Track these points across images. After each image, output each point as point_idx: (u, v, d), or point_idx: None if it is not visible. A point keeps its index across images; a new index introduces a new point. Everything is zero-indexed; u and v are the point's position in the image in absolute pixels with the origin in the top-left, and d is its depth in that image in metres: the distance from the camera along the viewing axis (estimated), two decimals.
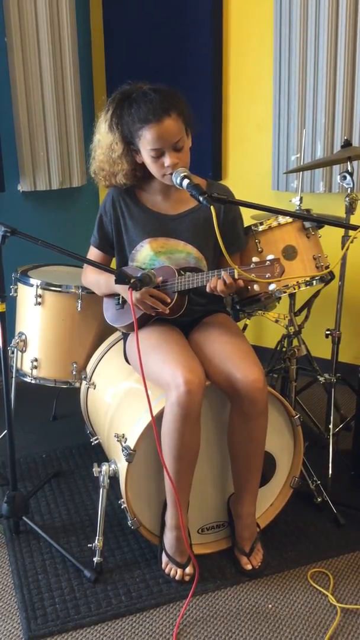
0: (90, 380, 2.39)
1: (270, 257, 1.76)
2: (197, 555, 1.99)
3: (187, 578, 1.94)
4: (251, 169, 3.44)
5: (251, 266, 1.77)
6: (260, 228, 2.17)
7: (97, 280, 2.14)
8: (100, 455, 2.54)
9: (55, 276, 2.58)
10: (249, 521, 2.00)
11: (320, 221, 2.07)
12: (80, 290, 2.41)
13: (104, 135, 1.98)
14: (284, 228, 2.19)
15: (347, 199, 2.30)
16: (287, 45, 3.08)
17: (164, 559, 1.97)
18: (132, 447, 1.88)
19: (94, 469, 2.04)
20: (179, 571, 1.94)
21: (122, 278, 1.80)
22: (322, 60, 2.98)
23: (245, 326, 2.99)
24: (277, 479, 2.14)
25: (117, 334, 2.39)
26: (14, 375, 2.55)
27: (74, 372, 2.47)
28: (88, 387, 2.40)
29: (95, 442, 2.35)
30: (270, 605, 1.87)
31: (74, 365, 2.47)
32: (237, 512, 2.01)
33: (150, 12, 3.45)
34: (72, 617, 1.82)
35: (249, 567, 1.98)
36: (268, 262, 1.75)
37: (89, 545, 2.04)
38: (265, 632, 1.77)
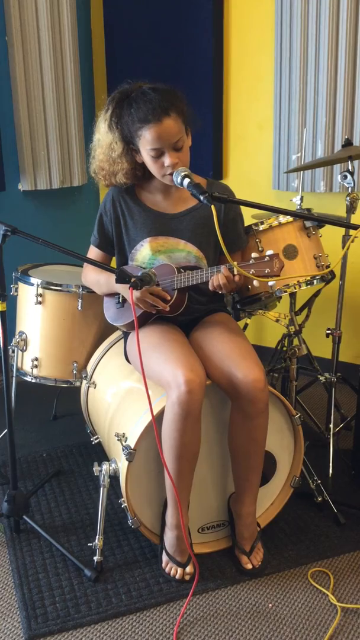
0: (90, 380, 2.39)
1: (269, 252, 1.76)
2: (198, 555, 1.99)
3: (187, 577, 1.94)
4: (252, 168, 3.44)
5: (250, 262, 1.77)
6: (261, 227, 2.17)
7: (97, 279, 2.14)
8: (100, 454, 2.54)
9: (55, 275, 2.58)
10: (249, 520, 2.00)
11: (321, 220, 2.07)
12: (80, 290, 2.41)
13: (103, 135, 1.98)
14: (284, 227, 2.18)
15: (347, 198, 2.30)
16: (288, 44, 3.08)
17: (164, 558, 1.98)
18: (132, 447, 1.88)
19: (94, 468, 2.04)
20: (180, 570, 1.94)
21: (122, 277, 1.80)
22: (323, 59, 2.98)
23: (246, 325, 2.99)
24: (278, 478, 2.14)
25: (117, 333, 2.39)
26: (14, 375, 2.55)
27: (75, 372, 2.47)
28: (88, 387, 2.40)
29: (96, 441, 2.35)
30: (270, 605, 1.87)
31: (75, 365, 2.47)
32: (238, 512, 2.01)
33: (151, 11, 3.45)
34: (73, 616, 1.82)
35: (249, 566, 1.98)
36: (267, 257, 1.75)
37: (89, 544, 2.04)
38: (266, 631, 1.77)
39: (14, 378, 2.54)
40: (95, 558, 1.99)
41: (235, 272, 1.79)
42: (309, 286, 2.21)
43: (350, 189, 2.31)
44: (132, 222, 2.06)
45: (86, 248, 2.19)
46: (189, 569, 1.95)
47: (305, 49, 3.03)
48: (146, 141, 1.86)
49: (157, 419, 1.84)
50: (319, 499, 2.24)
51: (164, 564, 1.98)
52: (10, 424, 2.04)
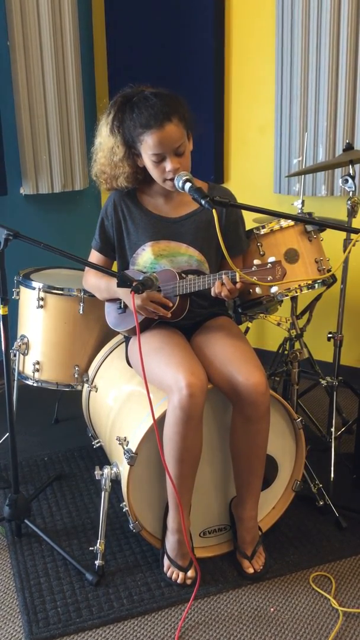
0: (92, 383, 2.39)
1: (271, 259, 1.76)
2: (199, 559, 1.99)
3: (189, 581, 1.94)
4: (253, 172, 3.44)
5: (253, 269, 1.77)
6: (262, 231, 2.17)
7: (98, 284, 2.14)
8: (102, 458, 2.54)
9: (57, 279, 2.58)
10: (251, 524, 2.00)
11: (322, 224, 2.07)
12: (82, 293, 2.41)
13: (105, 139, 1.98)
14: (285, 231, 2.18)
15: (348, 202, 2.31)
16: (289, 48, 3.09)
17: (166, 562, 1.97)
18: (134, 450, 1.88)
19: (95, 472, 2.04)
20: (181, 574, 1.94)
21: (124, 281, 1.80)
22: (324, 63, 2.99)
23: (247, 329, 2.99)
24: (279, 482, 2.13)
25: (119, 337, 2.39)
26: (16, 378, 2.55)
27: (76, 375, 2.47)
28: (90, 390, 2.41)
29: (97, 445, 2.35)
30: (272, 609, 1.86)
31: (76, 368, 2.47)
32: (239, 516, 2.01)
33: (152, 15, 3.45)
34: (74, 620, 1.82)
35: (251, 570, 1.98)
36: (270, 264, 1.76)
37: (90, 548, 2.04)
38: (267, 635, 1.77)
39: (15, 382, 2.54)
40: (97, 562, 1.99)
41: (238, 279, 1.79)
42: (310, 290, 2.21)
43: (351, 192, 2.32)
44: (133, 226, 2.06)
45: (87, 252, 2.20)
46: (190, 573, 1.95)
47: (306, 52, 3.04)
48: (148, 146, 1.86)
49: (159, 422, 1.83)
50: (321, 503, 2.24)
51: (165, 568, 1.97)
52: (11, 428, 2.04)
